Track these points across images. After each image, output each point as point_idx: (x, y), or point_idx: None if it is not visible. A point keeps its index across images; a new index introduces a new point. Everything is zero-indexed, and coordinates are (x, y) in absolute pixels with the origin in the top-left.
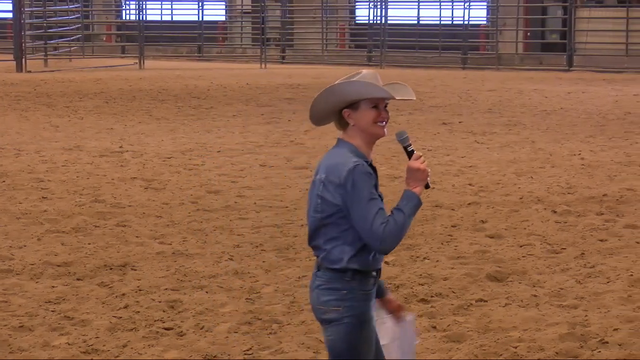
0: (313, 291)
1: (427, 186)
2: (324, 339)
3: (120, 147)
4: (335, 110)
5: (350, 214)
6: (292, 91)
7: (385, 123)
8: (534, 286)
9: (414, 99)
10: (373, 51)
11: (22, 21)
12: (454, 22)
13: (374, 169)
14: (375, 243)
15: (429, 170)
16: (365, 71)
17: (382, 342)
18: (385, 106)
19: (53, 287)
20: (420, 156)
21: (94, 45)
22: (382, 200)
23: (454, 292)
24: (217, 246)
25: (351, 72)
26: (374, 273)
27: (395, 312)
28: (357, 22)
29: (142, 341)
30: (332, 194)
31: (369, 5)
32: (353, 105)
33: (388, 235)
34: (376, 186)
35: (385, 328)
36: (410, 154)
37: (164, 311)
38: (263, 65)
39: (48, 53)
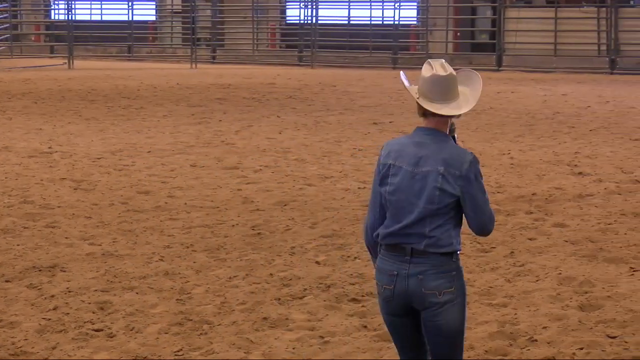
0: (411, 278)
1: None
2: (425, 322)
3: (50, 147)
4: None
5: (469, 202)
6: (223, 91)
7: None
8: None
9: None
10: (304, 51)
11: None
12: (385, 22)
13: None
14: (491, 226)
15: None
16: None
17: None
18: None
19: None
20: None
21: (23, 45)
22: None
23: None
24: (147, 247)
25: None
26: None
27: None
28: (287, 22)
29: (72, 343)
30: (452, 185)
31: (300, 5)
32: None
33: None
34: None
35: None
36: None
37: (93, 312)
38: (194, 65)
39: None
